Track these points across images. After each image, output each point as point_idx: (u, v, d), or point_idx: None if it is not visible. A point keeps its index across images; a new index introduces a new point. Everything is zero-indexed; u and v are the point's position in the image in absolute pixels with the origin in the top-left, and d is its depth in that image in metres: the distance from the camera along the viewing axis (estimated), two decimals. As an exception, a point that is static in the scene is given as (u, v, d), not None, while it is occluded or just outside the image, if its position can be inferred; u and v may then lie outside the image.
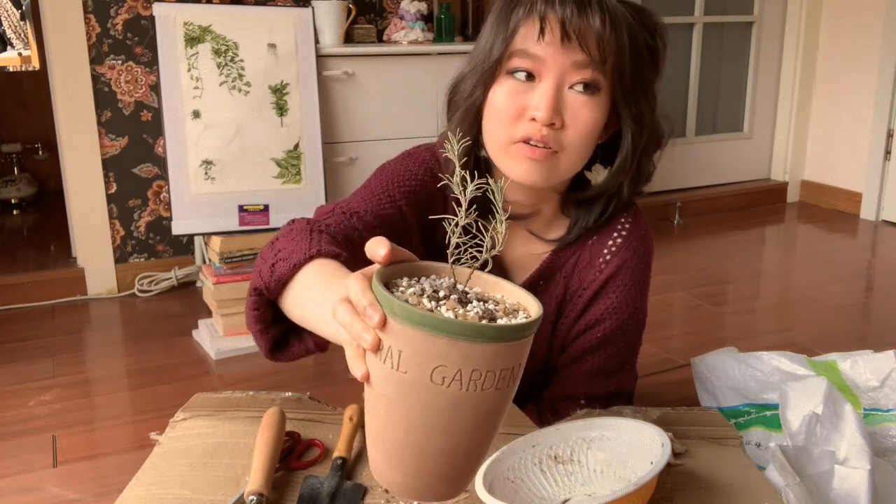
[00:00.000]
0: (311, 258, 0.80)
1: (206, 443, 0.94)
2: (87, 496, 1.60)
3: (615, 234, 1.06)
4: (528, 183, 0.96)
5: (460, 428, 0.55)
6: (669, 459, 0.81)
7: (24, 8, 4.36)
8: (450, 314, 0.54)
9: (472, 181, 0.64)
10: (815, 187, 3.88)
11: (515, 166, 0.95)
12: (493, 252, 0.58)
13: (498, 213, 0.58)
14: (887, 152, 3.52)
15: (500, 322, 0.55)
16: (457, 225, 0.58)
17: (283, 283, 0.81)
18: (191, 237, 2.73)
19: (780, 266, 3.19)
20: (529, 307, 0.59)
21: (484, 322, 0.54)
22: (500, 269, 1.09)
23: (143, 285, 2.72)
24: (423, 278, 0.61)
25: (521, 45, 0.92)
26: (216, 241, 2.35)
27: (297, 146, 2.56)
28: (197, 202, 2.45)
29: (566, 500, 0.83)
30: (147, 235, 2.76)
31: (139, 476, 0.88)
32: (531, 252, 1.08)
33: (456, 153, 0.61)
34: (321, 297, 0.75)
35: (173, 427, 0.98)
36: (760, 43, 3.79)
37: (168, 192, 2.51)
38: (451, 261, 0.60)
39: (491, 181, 0.59)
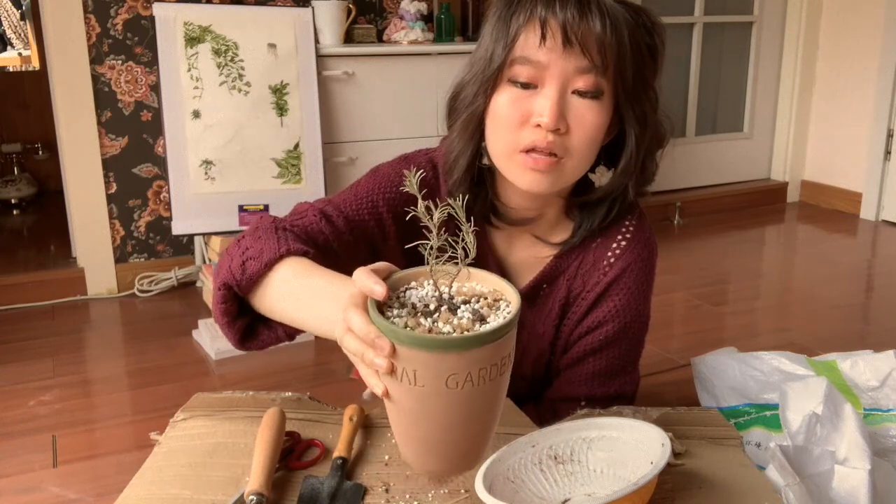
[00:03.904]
0: (282, 257, 0.84)
1: (206, 443, 0.94)
2: (87, 496, 1.60)
3: (619, 237, 1.06)
4: (535, 191, 0.96)
5: (479, 413, 0.63)
6: (669, 459, 0.81)
7: (24, 8, 4.36)
8: (448, 328, 0.60)
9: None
10: (815, 187, 3.88)
11: (521, 176, 0.95)
12: (468, 261, 0.64)
13: (463, 226, 0.63)
14: (887, 152, 3.52)
15: (490, 321, 0.61)
16: (432, 248, 0.64)
17: (255, 280, 0.85)
18: (191, 237, 2.73)
19: (780, 266, 3.19)
20: (506, 293, 0.65)
21: (479, 327, 0.60)
22: (503, 272, 1.09)
23: (143, 285, 2.72)
24: (408, 291, 0.66)
25: (521, 52, 0.91)
26: (216, 241, 2.35)
27: (297, 146, 2.56)
28: (197, 202, 2.45)
29: (566, 500, 0.83)
30: (147, 235, 2.76)
31: (139, 476, 0.88)
32: (535, 255, 1.08)
33: (415, 186, 0.65)
34: (305, 294, 0.80)
35: (173, 427, 0.98)
36: (760, 43, 3.79)
37: (168, 192, 2.51)
38: (430, 272, 0.66)
39: (451, 201, 0.64)
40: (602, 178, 1.01)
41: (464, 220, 0.63)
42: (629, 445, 0.84)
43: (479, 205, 1.03)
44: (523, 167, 0.94)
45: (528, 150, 0.93)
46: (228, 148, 2.48)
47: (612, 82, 0.93)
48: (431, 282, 0.65)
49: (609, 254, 1.06)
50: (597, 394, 1.07)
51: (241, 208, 2.50)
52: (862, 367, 1.50)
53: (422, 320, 0.62)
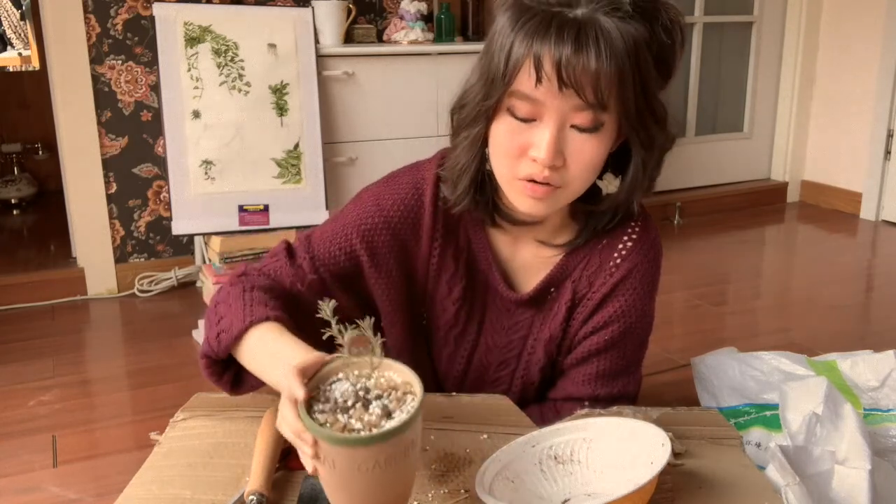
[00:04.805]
0: (247, 329, 0.92)
1: (206, 443, 0.94)
2: (87, 496, 1.60)
3: (625, 238, 1.06)
4: (533, 215, 0.98)
5: (390, 485, 0.75)
6: (669, 459, 0.81)
7: (24, 8, 4.36)
8: (359, 423, 0.73)
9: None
10: (815, 187, 3.88)
11: (519, 200, 0.96)
12: (376, 368, 0.78)
13: (372, 341, 0.77)
14: (887, 152, 3.52)
15: (395, 417, 0.74)
16: (345, 359, 0.78)
17: (229, 349, 0.94)
18: (191, 237, 2.73)
19: (780, 266, 3.19)
20: (413, 383, 0.77)
21: (384, 423, 0.73)
22: (508, 275, 1.09)
23: (143, 285, 2.72)
24: (334, 382, 0.78)
25: (519, 87, 0.90)
26: (216, 241, 2.35)
27: (297, 146, 2.56)
28: (197, 202, 2.45)
29: (566, 500, 0.83)
30: (147, 235, 2.76)
31: (139, 476, 0.88)
32: (540, 256, 1.08)
33: (330, 314, 0.77)
34: (265, 361, 0.89)
35: (173, 427, 0.98)
36: (760, 43, 3.79)
37: (168, 192, 2.51)
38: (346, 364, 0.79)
39: (361, 323, 0.76)
40: (610, 185, 1.00)
41: (372, 336, 0.76)
42: (629, 445, 0.85)
43: (483, 208, 1.03)
44: (521, 194, 0.95)
45: (526, 179, 0.93)
46: (228, 148, 2.48)
47: (614, 111, 0.91)
48: (354, 375, 0.78)
49: (615, 255, 1.06)
50: (600, 394, 1.07)
51: (241, 208, 2.50)
52: (862, 367, 1.50)
53: (339, 416, 0.74)
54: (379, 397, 0.76)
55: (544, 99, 0.89)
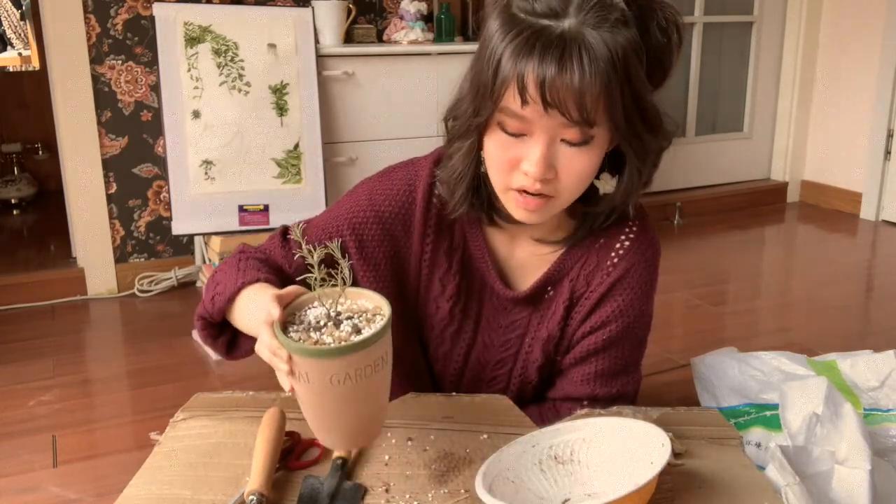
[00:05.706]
0: (240, 289, 0.98)
1: (206, 443, 0.94)
2: (87, 496, 1.60)
3: (623, 237, 1.06)
4: (528, 223, 0.99)
5: (363, 401, 0.79)
6: (669, 459, 0.81)
7: (24, 8, 4.36)
8: (330, 339, 0.77)
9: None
10: (815, 187, 3.88)
11: (514, 210, 0.97)
12: (347, 286, 0.82)
13: (340, 262, 0.80)
14: (887, 152, 3.52)
15: (364, 332, 0.78)
16: (315, 279, 0.82)
17: (223, 311, 1.00)
18: (191, 237, 2.74)
19: (780, 266, 3.19)
20: (383, 306, 0.81)
21: (353, 338, 0.77)
22: (506, 274, 1.09)
23: (143, 285, 2.72)
24: (308, 309, 0.83)
25: (506, 104, 0.90)
26: (216, 241, 2.35)
27: (297, 146, 2.56)
28: (197, 202, 2.45)
29: (566, 500, 0.83)
30: (147, 235, 2.76)
31: (139, 476, 0.88)
32: (537, 254, 1.08)
33: (304, 244, 0.82)
34: (254, 316, 0.93)
35: (173, 427, 0.98)
36: (760, 43, 3.79)
37: (168, 192, 2.51)
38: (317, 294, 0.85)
39: (330, 245, 0.81)
40: (606, 185, 1.00)
41: (341, 258, 0.80)
42: (629, 445, 0.85)
43: (479, 209, 1.03)
44: (515, 204, 0.96)
45: (519, 190, 0.94)
46: (228, 148, 2.48)
47: (604, 124, 0.90)
48: (328, 302, 0.82)
49: (612, 254, 1.06)
50: (599, 394, 1.07)
51: (241, 208, 2.50)
52: (862, 367, 1.50)
53: (312, 334, 0.78)
54: (350, 318, 0.81)
55: (532, 117, 0.89)
